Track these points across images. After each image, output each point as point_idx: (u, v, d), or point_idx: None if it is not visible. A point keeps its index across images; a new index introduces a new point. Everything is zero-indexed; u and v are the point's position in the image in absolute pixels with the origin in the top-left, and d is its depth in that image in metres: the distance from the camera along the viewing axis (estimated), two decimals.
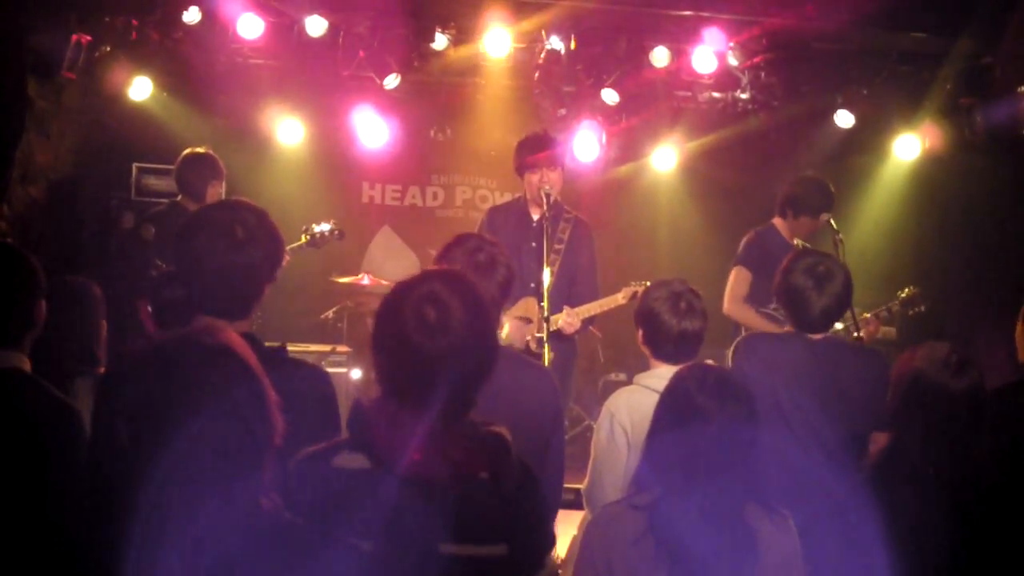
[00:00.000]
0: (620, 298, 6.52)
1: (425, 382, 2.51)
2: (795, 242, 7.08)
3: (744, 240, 7.18)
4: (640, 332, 4.39)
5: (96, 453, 2.60)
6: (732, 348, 4.87)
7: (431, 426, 2.48)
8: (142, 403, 2.36)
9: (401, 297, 2.57)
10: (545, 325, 5.86)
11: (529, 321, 6.19)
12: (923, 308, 7.53)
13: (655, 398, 3.38)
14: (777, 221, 7.18)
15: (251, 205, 3.25)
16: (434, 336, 2.50)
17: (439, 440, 2.48)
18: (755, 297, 6.92)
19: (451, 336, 2.51)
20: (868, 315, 7.21)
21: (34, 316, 3.25)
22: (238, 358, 2.42)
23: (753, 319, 6.85)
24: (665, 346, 4.27)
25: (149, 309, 5.48)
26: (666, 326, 4.24)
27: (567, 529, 3.96)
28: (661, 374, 3.98)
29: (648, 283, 6.16)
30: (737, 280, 6.99)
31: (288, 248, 7.07)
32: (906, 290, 7.54)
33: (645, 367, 4.39)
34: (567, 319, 6.28)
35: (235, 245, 3.04)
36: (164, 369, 2.40)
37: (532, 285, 6.25)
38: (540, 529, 2.62)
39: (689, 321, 4.24)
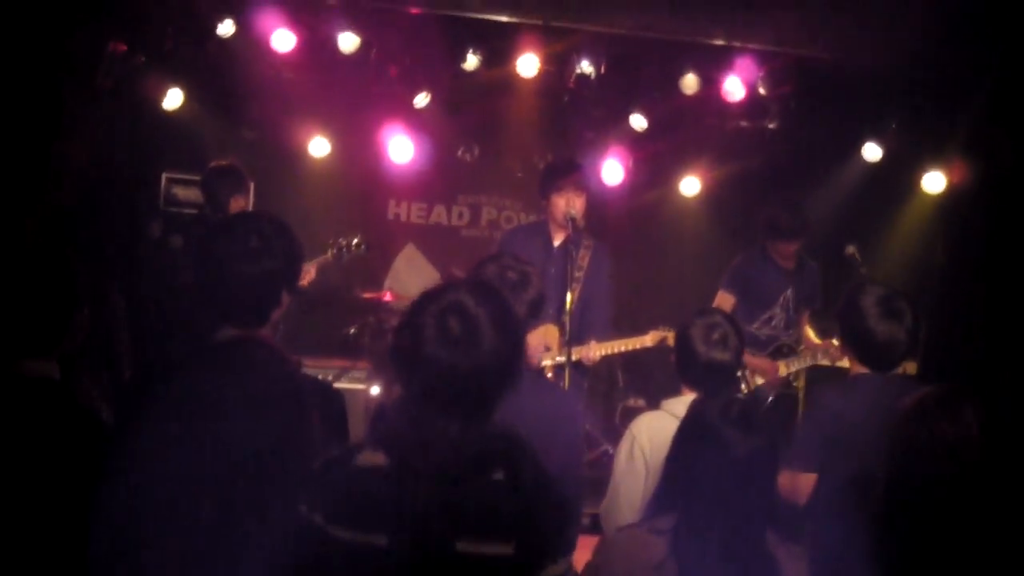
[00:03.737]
0: (648, 340, 6.52)
1: (443, 391, 2.52)
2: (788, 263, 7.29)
3: (731, 264, 7.44)
4: (673, 358, 4.41)
5: (135, 454, 2.62)
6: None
7: (450, 427, 2.49)
8: (198, 403, 2.40)
9: (425, 306, 2.58)
10: (567, 351, 5.86)
11: (548, 348, 6.18)
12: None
13: (676, 424, 3.38)
14: (766, 244, 7.34)
15: (269, 215, 3.34)
16: (455, 350, 2.50)
17: (457, 440, 2.49)
18: (740, 316, 6.92)
19: (475, 350, 2.51)
20: (836, 341, 7.22)
21: (70, 326, 3.27)
22: (287, 363, 2.47)
23: None
24: (692, 373, 4.27)
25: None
26: (695, 353, 4.24)
27: (582, 555, 3.96)
28: (687, 401, 3.99)
29: None
30: (719, 303, 7.16)
31: (315, 261, 7.20)
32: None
33: (667, 393, 4.40)
34: (588, 353, 6.28)
35: (251, 254, 3.12)
36: (220, 370, 2.44)
37: (551, 311, 6.17)
38: (554, 531, 2.61)
39: (719, 352, 4.22)
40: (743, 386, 6.76)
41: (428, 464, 2.45)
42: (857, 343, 4.47)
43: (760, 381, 7.06)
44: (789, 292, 7.33)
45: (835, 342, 7.14)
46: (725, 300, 7.25)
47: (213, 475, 2.40)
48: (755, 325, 7.23)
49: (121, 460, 2.73)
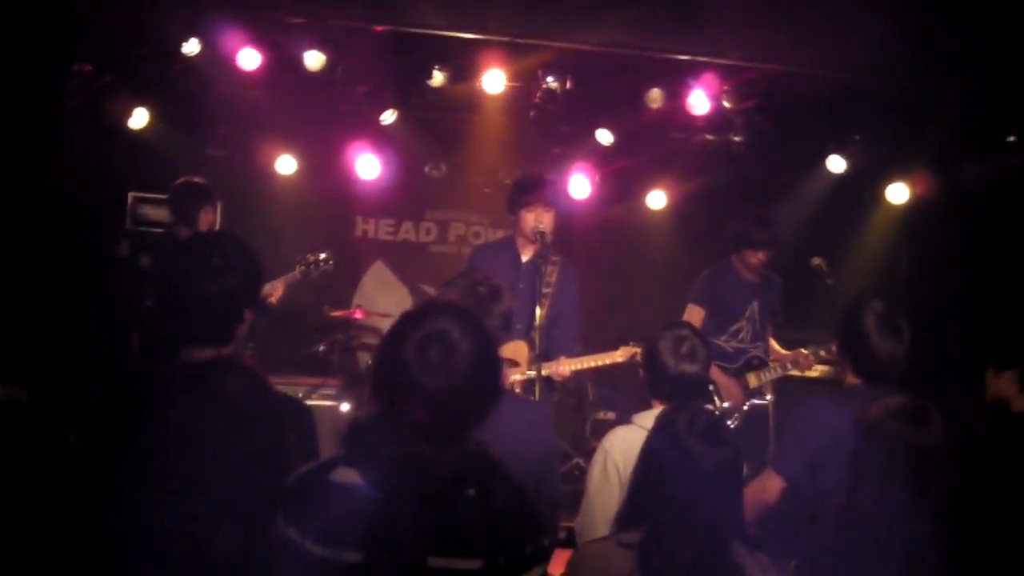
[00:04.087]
0: (618, 356, 6.55)
1: (422, 415, 2.54)
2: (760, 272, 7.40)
3: (699, 277, 7.52)
4: (642, 372, 4.44)
5: (111, 479, 2.62)
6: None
7: (426, 449, 2.51)
8: (173, 425, 2.41)
9: (407, 331, 2.58)
10: (537, 367, 5.88)
11: (516, 364, 6.20)
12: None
13: None
14: (732, 256, 7.45)
15: (229, 234, 3.39)
16: (435, 377, 2.52)
17: (432, 460, 2.51)
18: (708, 328, 7.09)
19: (452, 378, 2.53)
20: (806, 351, 7.31)
21: (41, 351, 3.27)
22: (262, 382, 2.49)
23: None
24: (662, 387, 4.30)
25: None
26: (664, 367, 4.26)
27: (555, 569, 3.98)
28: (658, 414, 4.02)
29: None
30: (688, 317, 7.21)
31: (283, 278, 7.20)
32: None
33: (637, 407, 4.42)
34: (559, 369, 6.31)
35: (212, 272, 3.14)
36: (195, 392, 2.46)
37: (518, 327, 6.17)
38: (525, 545, 2.63)
39: (688, 364, 4.25)
40: (713, 401, 6.85)
41: (402, 484, 2.47)
42: (857, 358, 4.51)
43: (726, 403, 7.09)
44: (755, 305, 7.42)
45: (804, 351, 7.23)
46: (694, 313, 7.31)
47: (190, 496, 2.41)
48: (723, 338, 7.31)
49: (96, 484, 2.73)
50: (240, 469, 2.49)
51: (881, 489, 3.53)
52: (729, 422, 7.07)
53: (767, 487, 4.44)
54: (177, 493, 2.37)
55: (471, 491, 2.54)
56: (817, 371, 7.60)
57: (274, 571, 2.52)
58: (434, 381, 2.52)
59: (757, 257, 7.28)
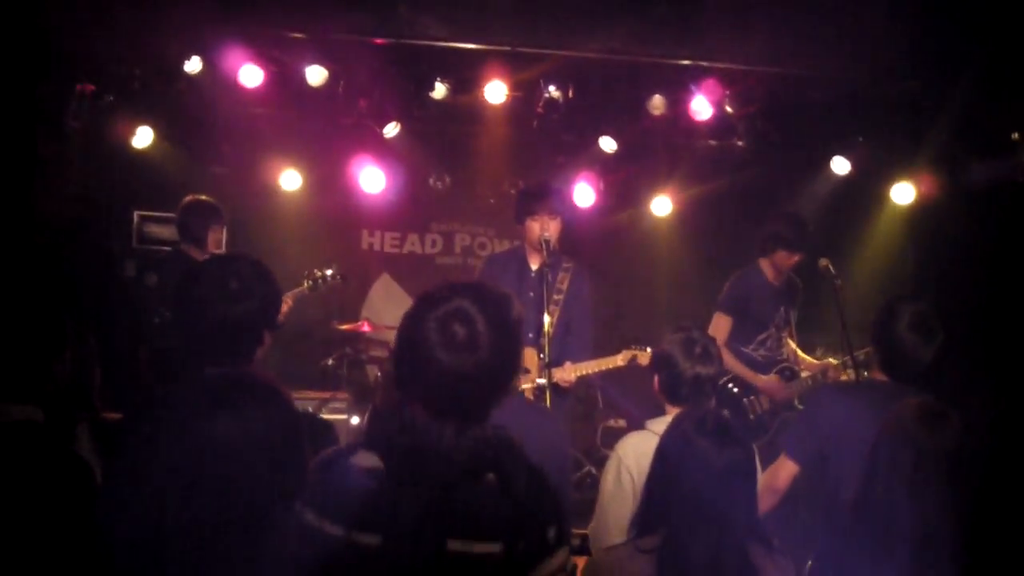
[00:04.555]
0: (619, 360, 6.55)
1: (445, 395, 2.55)
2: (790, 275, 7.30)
3: (727, 284, 7.34)
4: (655, 378, 4.43)
5: (132, 495, 2.63)
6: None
7: (446, 432, 2.52)
8: (195, 441, 2.42)
9: (427, 311, 2.60)
10: (546, 373, 5.89)
11: (527, 371, 6.21)
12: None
13: None
14: (761, 260, 7.30)
15: (247, 256, 3.39)
16: (459, 354, 2.53)
17: (452, 445, 2.52)
18: (736, 337, 7.11)
19: (477, 354, 2.54)
20: (835, 361, 7.16)
21: (54, 371, 3.28)
22: (283, 397, 2.52)
23: (733, 364, 7.05)
24: (680, 390, 4.29)
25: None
26: (680, 370, 4.26)
27: None
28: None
29: (648, 349, 6.27)
30: (717, 325, 7.14)
31: (291, 293, 7.21)
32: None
33: (644, 413, 4.42)
34: (563, 375, 6.32)
35: (230, 296, 3.17)
36: (217, 407, 2.47)
37: (530, 335, 6.21)
38: (546, 529, 2.63)
39: (703, 366, 4.26)
40: (753, 409, 6.79)
41: (421, 471, 2.48)
42: (885, 354, 4.56)
43: (766, 405, 7.05)
44: (782, 311, 7.30)
45: (833, 361, 7.09)
46: (723, 322, 7.19)
47: (211, 513, 2.41)
48: (751, 347, 7.19)
49: (117, 503, 2.73)
50: (261, 484, 2.50)
51: (890, 487, 3.53)
52: (772, 424, 7.03)
53: (779, 474, 4.48)
54: (195, 507, 2.38)
55: (490, 476, 2.54)
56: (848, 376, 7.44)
57: (291, 558, 2.53)
58: (458, 358, 2.53)
59: (792, 260, 7.13)
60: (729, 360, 6.96)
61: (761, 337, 7.23)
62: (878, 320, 4.56)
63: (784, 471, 4.49)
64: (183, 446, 2.45)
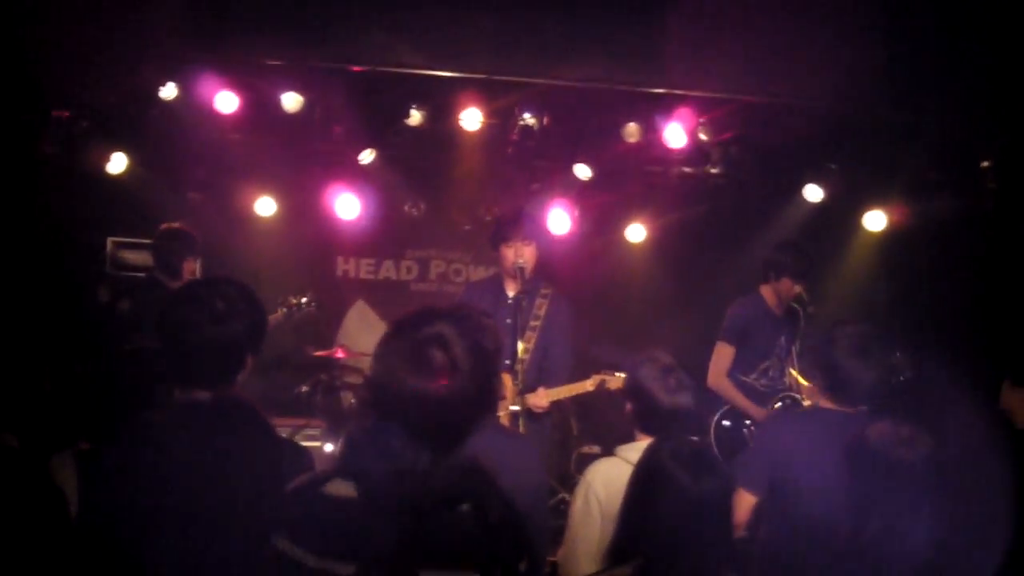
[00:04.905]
0: (589, 385, 6.53)
1: (421, 420, 2.54)
2: (792, 304, 7.21)
3: (728, 313, 7.27)
4: (629, 406, 4.41)
5: (114, 519, 2.62)
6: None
7: (421, 459, 2.51)
8: (178, 465, 2.41)
9: (405, 334, 2.60)
10: (520, 400, 5.90)
11: (503, 397, 6.21)
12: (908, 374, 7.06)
13: (631, 471, 3.41)
14: (763, 288, 7.29)
15: (233, 280, 3.38)
16: (436, 379, 2.54)
17: (427, 472, 2.51)
18: (737, 366, 7.07)
19: (454, 379, 2.55)
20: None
21: (31, 399, 3.28)
22: (264, 422, 2.52)
23: (735, 395, 7.03)
24: (656, 421, 4.28)
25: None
26: (658, 402, 4.23)
27: None
28: (642, 447, 4.00)
29: (617, 374, 6.26)
30: (719, 355, 7.11)
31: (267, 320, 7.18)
32: (895, 355, 6.99)
33: (618, 439, 4.42)
34: (535, 400, 6.32)
35: (215, 319, 3.15)
36: (202, 431, 2.47)
37: (506, 361, 6.20)
38: (519, 563, 2.62)
39: (680, 396, 4.24)
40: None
41: (397, 499, 2.47)
42: (827, 380, 4.58)
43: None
44: (782, 340, 7.25)
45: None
46: (725, 351, 7.12)
47: (188, 535, 2.41)
48: (753, 376, 7.16)
49: (97, 527, 2.73)
50: (240, 508, 2.50)
51: (884, 511, 3.55)
52: None
53: (739, 506, 4.46)
54: (176, 530, 2.37)
55: (465, 505, 2.54)
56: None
57: None
58: (433, 383, 2.53)
59: (796, 289, 7.10)
60: (730, 391, 7.00)
61: (763, 366, 7.20)
62: (816, 347, 4.63)
63: (743, 504, 4.49)
64: (170, 473, 2.45)
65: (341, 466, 2.60)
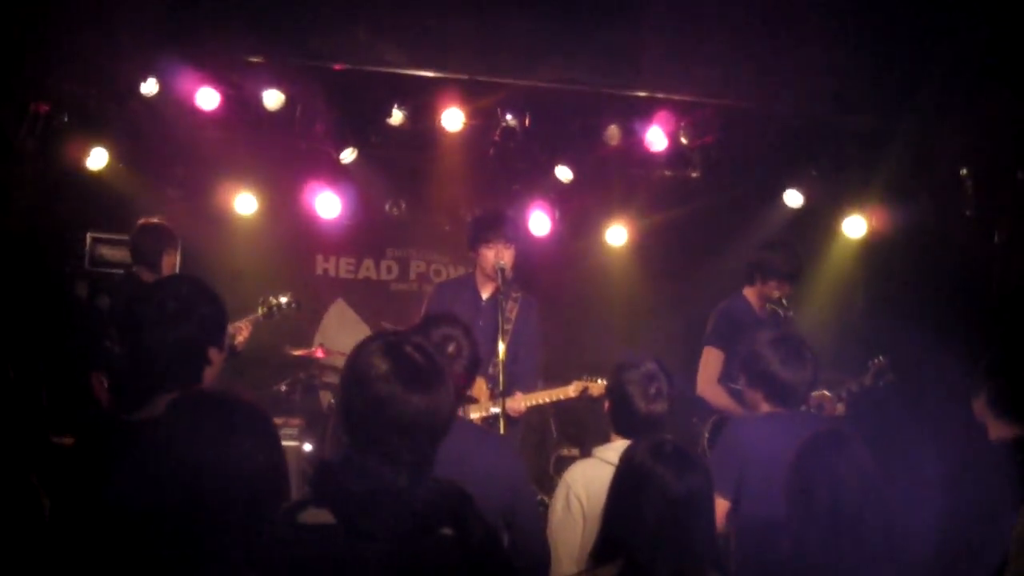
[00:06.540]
0: (571, 391, 6.53)
1: (396, 439, 2.52)
2: (768, 306, 7.09)
3: (711, 317, 7.13)
4: (607, 404, 4.49)
5: (99, 519, 2.60)
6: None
7: (398, 479, 2.50)
8: (199, 459, 2.39)
9: (372, 352, 2.61)
10: (501, 402, 5.89)
11: (475, 401, 6.20)
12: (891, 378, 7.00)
13: (611, 471, 3.41)
14: (746, 290, 7.17)
15: (188, 277, 3.45)
16: (411, 391, 2.55)
17: (405, 494, 2.50)
18: (724, 375, 6.85)
19: (427, 392, 2.56)
20: (829, 393, 6.84)
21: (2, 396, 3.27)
22: (260, 412, 2.52)
23: (725, 401, 6.76)
24: (628, 424, 4.35)
25: (103, 381, 5.46)
26: (634, 408, 4.32)
27: None
28: (619, 448, 4.02)
29: (600, 380, 6.24)
30: (708, 361, 6.93)
31: (248, 319, 7.17)
32: (878, 359, 7.00)
33: (598, 441, 4.45)
34: (514, 404, 6.31)
35: (168, 318, 3.17)
36: (197, 423, 2.45)
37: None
38: None
39: (657, 404, 4.33)
40: None
41: (376, 522, 2.45)
42: (767, 389, 4.75)
43: None
44: None
45: (827, 393, 6.80)
46: (713, 357, 6.90)
47: (188, 540, 2.39)
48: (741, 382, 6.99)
49: (68, 528, 2.71)
50: (246, 510, 2.47)
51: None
52: None
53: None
54: (173, 534, 2.35)
55: (447, 530, 2.53)
56: (840, 411, 7.19)
57: None
58: (407, 395, 2.54)
59: (783, 290, 6.98)
60: (722, 398, 6.77)
61: None
62: (748, 362, 4.79)
63: (720, 509, 4.50)
64: (160, 472, 2.42)
65: (316, 491, 2.57)
